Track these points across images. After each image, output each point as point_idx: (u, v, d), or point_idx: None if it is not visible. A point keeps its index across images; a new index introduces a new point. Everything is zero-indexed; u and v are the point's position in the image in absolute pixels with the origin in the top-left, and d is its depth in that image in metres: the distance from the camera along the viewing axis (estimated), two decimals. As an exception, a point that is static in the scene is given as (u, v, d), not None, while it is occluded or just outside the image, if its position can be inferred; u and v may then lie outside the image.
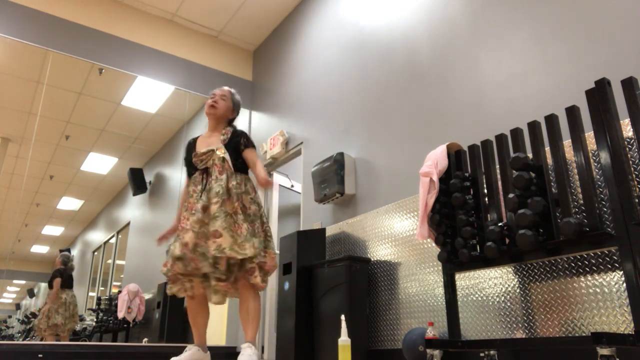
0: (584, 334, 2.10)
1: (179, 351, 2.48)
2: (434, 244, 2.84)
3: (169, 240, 2.71)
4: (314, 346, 3.25)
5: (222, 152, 2.55)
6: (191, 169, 2.63)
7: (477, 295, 2.62)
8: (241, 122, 5.66)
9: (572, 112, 2.03)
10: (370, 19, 4.05)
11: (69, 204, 5.35)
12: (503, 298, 2.48)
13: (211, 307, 2.62)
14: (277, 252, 2.63)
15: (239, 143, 2.64)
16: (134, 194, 5.35)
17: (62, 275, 4.73)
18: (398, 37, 3.68)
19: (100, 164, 5.38)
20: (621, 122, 2.08)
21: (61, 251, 4.98)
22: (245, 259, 2.39)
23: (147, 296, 4.99)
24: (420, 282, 2.96)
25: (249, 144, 2.68)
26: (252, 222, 2.49)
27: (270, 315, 4.62)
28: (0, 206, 4.47)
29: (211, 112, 2.72)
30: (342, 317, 2.51)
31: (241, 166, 2.61)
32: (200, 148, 2.64)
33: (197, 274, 2.41)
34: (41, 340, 4.48)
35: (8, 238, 4.59)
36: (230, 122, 2.81)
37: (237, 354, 2.44)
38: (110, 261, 5.44)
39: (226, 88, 2.84)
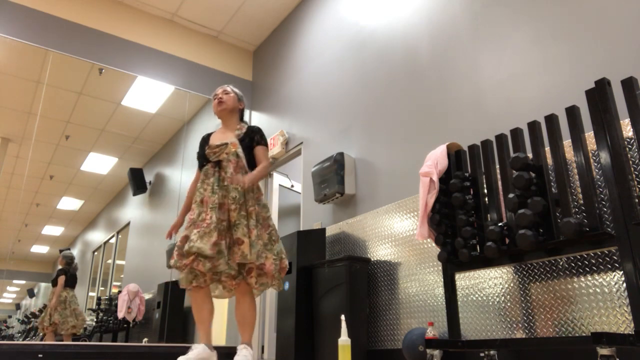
0: (584, 334, 2.10)
1: (178, 351, 2.48)
2: (434, 244, 2.84)
3: (173, 237, 2.72)
4: (314, 346, 3.25)
5: (235, 147, 2.55)
6: (203, 161, 2.63)
7: (477, 295, 2.61)
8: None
9: (572, 112, 2.03)
10: (370, 18, 4.05)
11: (69, 204, 5.35)
12: (503, 298, 2.48)
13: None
14: (283, 256, 2.62)
15: (253, 140, 2.65)
16: (134, 194, 5.35)
17: (66, 274, 4.75)
18: (398, 37, 3.68)
19: (100, 164, 5.38)
20: (621, 122, 2.08)
21: (61, 251, 4.98)
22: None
23: (147, 296, 5.00)
24: (420, 282, 2.96)
25: (262, 141, 2.69)
26: (258, 223, 2.49)
27: (270, 315, 4.61)
28: (0, 206, 4.47)
29: (221, 108, 2.71)
30: (342, 317, 2.51)
31: (255, 165, 2.62)
32: (214, 142, 2.65)
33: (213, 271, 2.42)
34: (42, 337, 4.49)
35: (8, 238, 4.58)
36: (241, 113, 2.82)
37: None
38: (110, 261, 5.43)
39: (225, 85, 2.86)
